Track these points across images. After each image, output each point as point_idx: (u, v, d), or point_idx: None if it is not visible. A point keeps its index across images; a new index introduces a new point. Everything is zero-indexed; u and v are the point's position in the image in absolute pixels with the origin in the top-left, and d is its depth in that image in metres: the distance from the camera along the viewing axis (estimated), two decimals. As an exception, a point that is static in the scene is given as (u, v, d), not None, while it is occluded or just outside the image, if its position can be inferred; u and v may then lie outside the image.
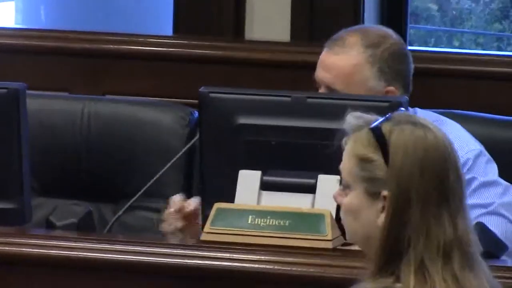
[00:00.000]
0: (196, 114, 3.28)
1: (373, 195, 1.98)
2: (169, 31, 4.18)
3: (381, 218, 1.96)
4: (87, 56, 4.06)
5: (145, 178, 3.06)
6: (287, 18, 4.10)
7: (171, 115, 3.47)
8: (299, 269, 2.56)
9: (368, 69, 3.13)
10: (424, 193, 1.97)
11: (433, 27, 5.22)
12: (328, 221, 2.56)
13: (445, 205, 1.94)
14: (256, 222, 2.65)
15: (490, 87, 3.88)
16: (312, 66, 3.15)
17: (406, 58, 3.21)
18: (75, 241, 2.73)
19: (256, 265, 2.60)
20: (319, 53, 3.20)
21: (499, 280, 2.12)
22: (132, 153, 3.40)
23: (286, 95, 2.92)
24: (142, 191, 3.02)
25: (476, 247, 1.97)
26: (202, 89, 2.88)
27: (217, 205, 2.68)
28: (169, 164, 3.01)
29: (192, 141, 3.17)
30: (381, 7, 4.06)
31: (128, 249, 2.71)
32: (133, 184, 3.19)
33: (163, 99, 3.66)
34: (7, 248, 2.70)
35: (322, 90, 3.07)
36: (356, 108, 2.23)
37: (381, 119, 2.06)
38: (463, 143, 2.92)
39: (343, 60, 3.12)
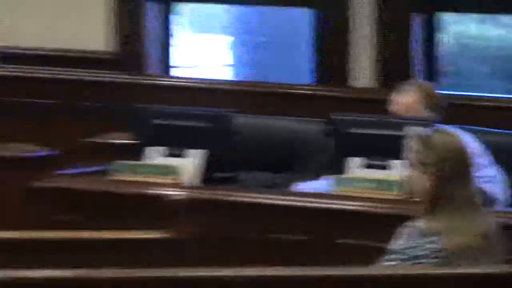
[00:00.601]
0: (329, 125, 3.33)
1: (425, 172, 2.03)
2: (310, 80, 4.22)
3: (429, 184, 2.03)
4: (267, 95, 4.12)
5: (303, 161, 3.31)
6: (372, 72, 4.07)
7: (316, 126, 3.52)
8: (386, 210, 2.69)
9: (421, 104, 3.21)
10: (452, 172, 2.04)
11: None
12: (400, 184, 2.61)
13: (463, 179, 1.99)
14: (363, 186, 2.80)
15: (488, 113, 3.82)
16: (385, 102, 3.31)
17: (439, 98, 3.35)
18: (261, 193, 2.92)
19: (364, 208, 2.75)
20: (391, 94, 3.33)
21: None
22: (296, 148, 3.49)
23: (380, 117, 3.20)
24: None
25: (479, 201, 2.06)
26: (333, 115, 3.13)
27: (337, 177, 2.88)
28: (318, 155, 3.19)
29: (329, 142, 3.26)
30: (426, 68, 4.01)
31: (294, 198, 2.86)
32: (297, 164, 3.34)
33: (311, 118, 3.70)
34: (228, 198, 2.80)
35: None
36: (414, 124, 2.57)
37: (429, 130, 2.33)
38: (471, 143, 2.95)
39: (408, 100, 3.17)
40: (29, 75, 4.31)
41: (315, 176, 3.25)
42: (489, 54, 4.71)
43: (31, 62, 4.30)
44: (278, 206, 2.82)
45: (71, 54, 4.39)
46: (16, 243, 2.46)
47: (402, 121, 2.83)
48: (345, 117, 3.24)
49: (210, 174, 2.98)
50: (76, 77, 4.24)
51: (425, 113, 3.09)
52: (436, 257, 1.87)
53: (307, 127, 3.74)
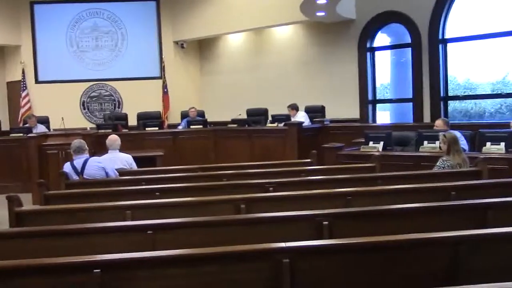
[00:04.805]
0: None
1: (445, 143, 4.02)
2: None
3: (446, 147, 3.97)
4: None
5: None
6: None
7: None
8: (439, 154, 4.33)
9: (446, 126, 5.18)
10: (452, 142, 3.96)
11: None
12: (440, 147, 4.28)
13: (456, 144, 4.04)
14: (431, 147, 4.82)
15: None
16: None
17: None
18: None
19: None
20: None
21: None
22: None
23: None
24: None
25: (461, 149, 4.03)
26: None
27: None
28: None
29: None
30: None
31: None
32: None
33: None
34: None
35: None
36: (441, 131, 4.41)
37: (445, 132, 4.15)
38: (459, 134, 4.45)
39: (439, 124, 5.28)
40: None
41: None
42: None
43: None
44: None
45: None
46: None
47: (440, 131, 4.84)
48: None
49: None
50: None
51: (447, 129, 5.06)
52: (450, 167, 4.07)
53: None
